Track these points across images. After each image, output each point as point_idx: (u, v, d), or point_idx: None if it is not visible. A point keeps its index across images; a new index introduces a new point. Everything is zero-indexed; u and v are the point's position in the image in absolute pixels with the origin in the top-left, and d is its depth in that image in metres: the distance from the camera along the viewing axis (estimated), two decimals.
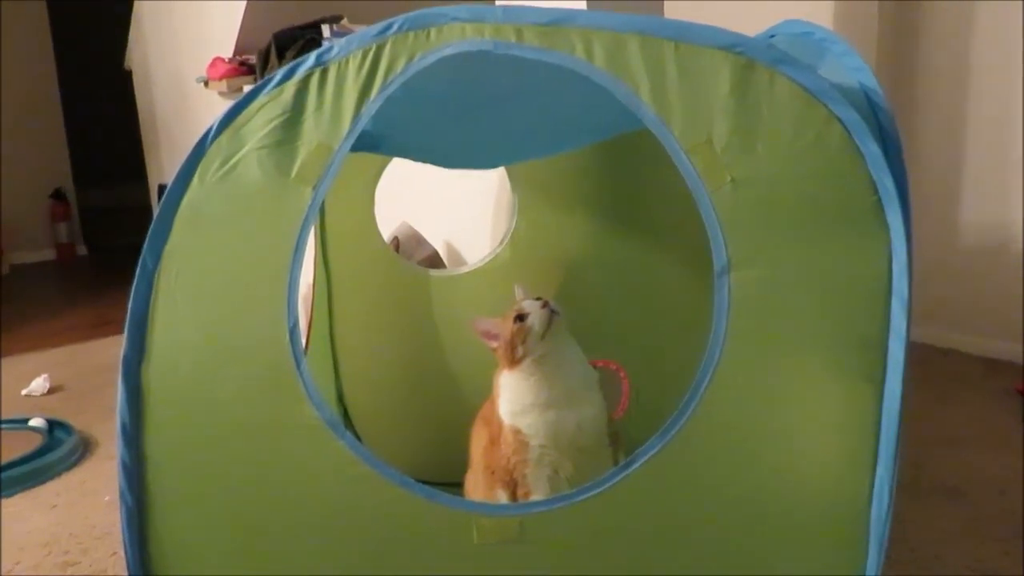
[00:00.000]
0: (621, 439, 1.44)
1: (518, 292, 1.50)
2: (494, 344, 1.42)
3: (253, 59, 3.27)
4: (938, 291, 2.63)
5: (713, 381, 1.05)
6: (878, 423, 1.03)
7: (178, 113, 4.25)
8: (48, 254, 5.28)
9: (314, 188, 1.10)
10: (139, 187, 4.99)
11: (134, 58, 4.70)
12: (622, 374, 1.65)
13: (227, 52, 3.43)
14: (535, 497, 1.34)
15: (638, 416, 1.56)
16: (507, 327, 1.39)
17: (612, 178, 1.79)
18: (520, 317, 1.38)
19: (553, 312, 1.38)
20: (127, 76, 4.81)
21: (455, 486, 1.51)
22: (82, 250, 5.41)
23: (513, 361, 1.38)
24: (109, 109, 5.75)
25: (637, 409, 1.62)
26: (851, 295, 1.04)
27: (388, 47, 1.09)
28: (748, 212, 1.05)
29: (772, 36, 1.28)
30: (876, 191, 1.03)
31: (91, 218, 5.63)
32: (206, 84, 3.45)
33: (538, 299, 1.41)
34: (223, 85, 3.32)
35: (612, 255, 1.82)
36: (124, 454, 1.07)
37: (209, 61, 3.44)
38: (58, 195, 5.26)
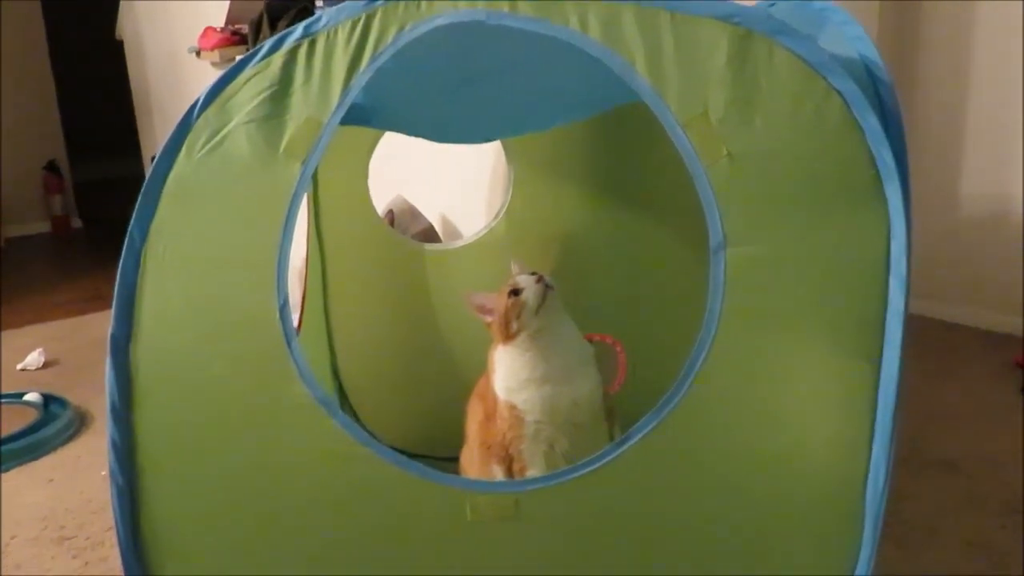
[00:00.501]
0: (616, 414, 1.43)
1: (514, 267, 1.49)
2: (489, 319, 1.41)
3: (245, 29, 3.22)
4: (938, 264, 2.62)
5: (708, 359, 1.05)
6: (875, 402, 1.02)
7: (170, 83, 4.20)
8: (43, 227, 5.26)
9: (303, 163, 1.08)
10: (133, 158, 4.94)
11: (126, 28, 4.64)
12: (618, 348, 1.65)
13: (219, 22, 3.38)
14: (531, 473, 1.34)
15: (634, 391, 1.56)
16: (502, 301, 1.39)
17: (609, 151, 1.78)
18: (515, 292, 1.37)
19: (548, 287, 1.37)
20: (119, 46, 4.75)
21: (451, 461, 1.52)
22: (77, 223, 5.38)
23: (508, 336, 1.37)
24: (101, 79, 5.68)
25: (633, 384, 1.62)
26: (849, 273, 1.03)
27: (378, 17, 1.07)
28: (745, 187, 1.03)
29: (772, 5, 1.26)
30: (875, 165, 1.01)
31: (85, 190, 5.59)
32: (198, 54, 3.40)
33: (533, 273, 1.40)
34: (215, 55, 3.28)
35: (608, 229, 1.82)
36: (114, 433, 1.07)
37: (201, 31, 3.39)
38: (52, 167, 5.22)
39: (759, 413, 1.07)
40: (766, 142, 1.03)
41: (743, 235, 1.03)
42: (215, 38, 3.29)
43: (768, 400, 1.06)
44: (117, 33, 4.71)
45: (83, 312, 3.34)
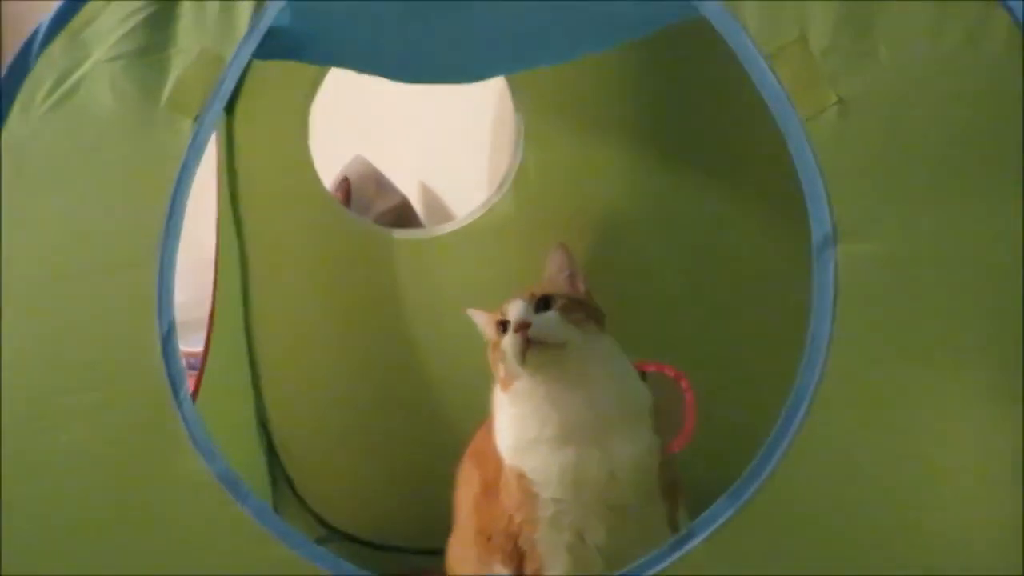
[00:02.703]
0: (681, 488, 1.42)
1: (556, 256, 1.48)
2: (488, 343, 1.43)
3: None
4: None
5: (814, 405, 1.04)
6: None
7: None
8: None
9: (197, 119, 1.10)
10: None
11: None
12: (683, 384, 1.61)
13: None
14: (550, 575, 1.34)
15: (707, 445, 1.53)
16: (490, 330, 1.40)
17: (655, 95, 1.78)
18: (503, 326, 1.37)
19: (529, 342, 1.33)
20: None
21: (434, 555, 1.52)
22: None
23: (501, 380, 1.37)
24: None
25: (707, 435, 1.58)
26: (1007, 276, 1.01)
27: None
28: (864, 152, 1.03)
29: None
30: None
31: None
32: None
33: (532, 295, 1.39)
34: None
35: (661, 207, 1.81)
36: None
37: None
38: None
39: (885, 483, 1.06)
40: (896, 83, 1.02)
41: (861, 225, 1.02)
42: None
43: (898, 463, 1.05)
44: None
45: None
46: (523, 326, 1.34)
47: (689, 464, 1.47)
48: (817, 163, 1.02)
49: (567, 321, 1.36)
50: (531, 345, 1.33)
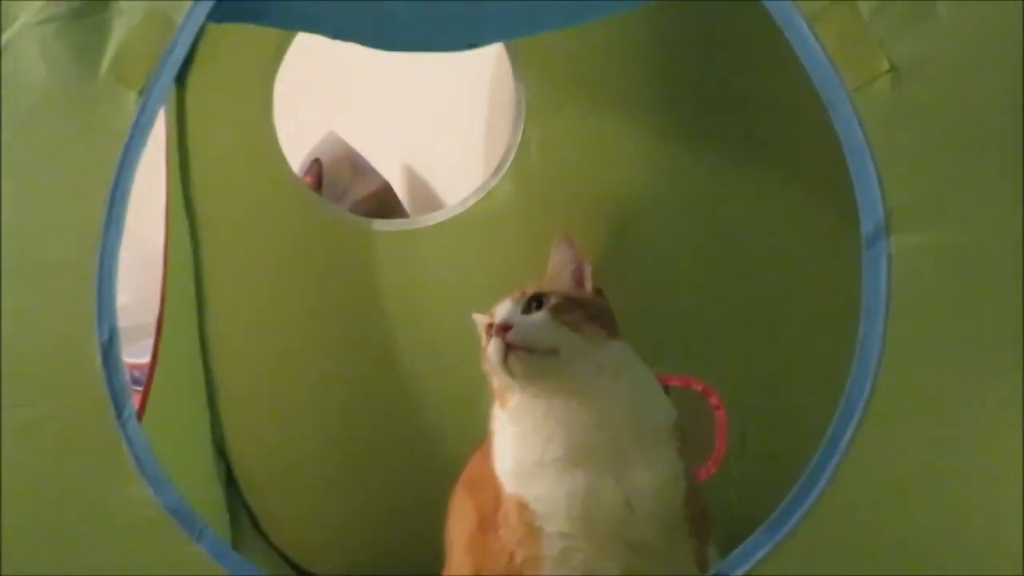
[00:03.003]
0: (711, 520, 1.41)
1: (560, 249, 1.48)
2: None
3: None
4: None
5: (864, 423, 1.04)
6: None
7: None
8: None
9: (143, 91, 1.10)
10: None
11: None
12: (713, 401, 1.63)
13: None
14: None
15: (741, 470, 1.58)
16: (483, 336, 1.41)
17: (678, 62, 1.77)
18: (492, 329, 1.37)
19: (509, 346, 1.32)
20: None
21: None
22: None
23: (496, 393, 1.38)
24: None
25: (740, 459, 1.62)
26: None
27: None
28: (921, 128, 1.02)
29: None
30: None
31: None
32: None
33: (523, 294, 1.39)
34: None
35: (683, 192, 1.80)
36: None
37: None
38: None
39: (949, 512, 1.06)
40: (957, 48, 1.02)
41: (919, 212, 1.02)
42: None
43: (961, 490, 1.06)
44: None
45: None
46: (503, 328, 1.33)
47: (720, 492, 1.47)
48: (867, 141, 1.02)
49: (559, 323, 1.34)
50: (512, 350, 1.33)
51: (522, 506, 1.33)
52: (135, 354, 1.63)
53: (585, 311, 1.38)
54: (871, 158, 1.02)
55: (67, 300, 1.07)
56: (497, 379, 1.36)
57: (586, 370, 1.36)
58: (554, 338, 1.33)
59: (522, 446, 1.35)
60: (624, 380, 1.38)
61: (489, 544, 1.38)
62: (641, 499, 1.32)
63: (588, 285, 1.45)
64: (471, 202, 1.89)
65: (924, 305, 1.03)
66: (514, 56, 1.85)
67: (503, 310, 1.37)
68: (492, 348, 1.33)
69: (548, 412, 1.33)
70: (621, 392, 1.37)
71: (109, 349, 1.06)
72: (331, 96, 2.44)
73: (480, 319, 1.44)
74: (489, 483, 1.39)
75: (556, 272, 1.47)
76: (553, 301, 1.36)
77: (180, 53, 1.09)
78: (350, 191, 2.33)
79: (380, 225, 1.95)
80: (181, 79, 1.67)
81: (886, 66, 1.01)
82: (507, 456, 1.37)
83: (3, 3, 1.09)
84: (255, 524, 1.86)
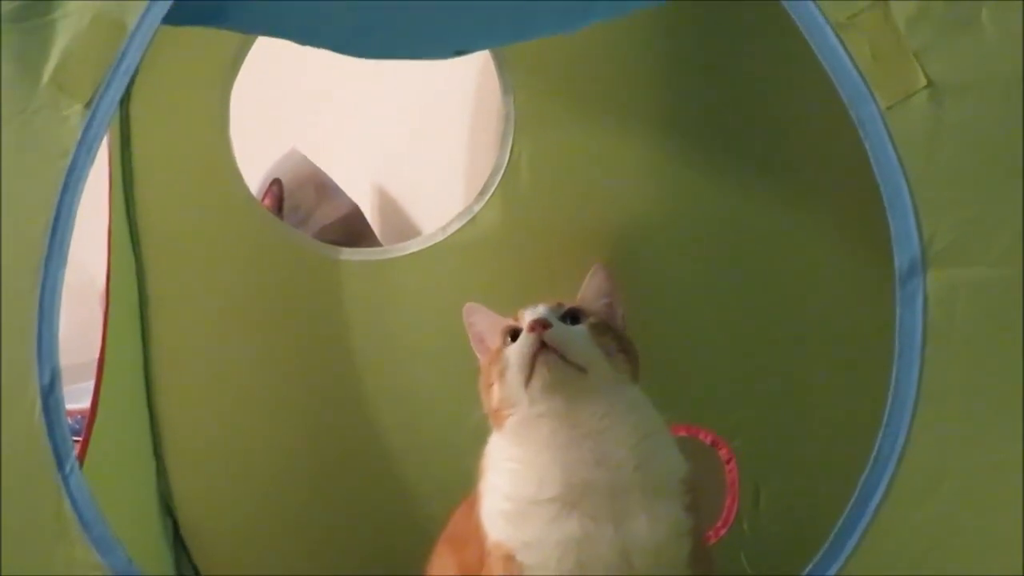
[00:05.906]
0: None
1: (596, 278, 1.52)
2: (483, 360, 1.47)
3: None
4: None
5: (896, 482, 1.05)
6: None
7: None
8: None
9: (90, 104, 1.11)
10: None
11: None
12: (723, 453, 1.63)
13: None
14: None
15: (754, 532, 1.59)
16: (495, 341, 1.44)
17: (685, 73, 1.79)
18: (513, 335, 1.39)
19: (544, 346, 1.35)
20: None
21: None
22: None
23: (492, 413, 1.39)
24: None
25: (753, 520, 1.63)
26: None
27: None
28: (961, 150, 1.02)
29: None
30: None
31: None
32: None
33: (559, 305, 1.42)
34: None
35: (691, 215, 1.82)
36: None
37: None
38: None
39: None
40: (1002, 62, 1.02)
41: (959, 245, 1.02)
42: None
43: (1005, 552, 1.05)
44: None
45: None
46: (542, 325, 1.35)
47: (729, 557, 1.46)
48: (901, 164, 1.02)
49: (596, 343, 1.38)
50: (544, 351, 1.34)
51: (508, 558, 1.35)
52: (72, 397, 1.62)
53: (619, 343, 1.41)
54: (906, 184, 1.02)
55: (4, 337, 1.07)
56: (502, 388, 1.37)
57: (601, 402, 1.39)
58: (589, 355, 1.37)
59: (516, 480, 1.37)
60: (636, 420, 1.40)
61: None
62: (641, 555, 1.34)
63: (621, 322, 1.48)
64: (452, 229, 1.90)
65: (964, 348, 1.03)
66: (501, 64, 1.86)
67: (537, 311, 1.39)
68: (522, 343, 1.37)
69: (550, 437, 1.36)
70: (630, 433, 1.39)
71: (50, 393, 1.07)
72: (294, 109, 2.43)
73: (480, 315, 1.48)
74: (473, 538, 1.41)
75: (588, 300, 1.49)
76: (592, 320, 1.41)
77: (132, 61, 1.10)
78: (314, 215, 2.33)
79: (348, 254, 1.96)
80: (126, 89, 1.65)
81: (923, 81, 1.02)
82: (498, 493, 1.38)
83: None
84: None
